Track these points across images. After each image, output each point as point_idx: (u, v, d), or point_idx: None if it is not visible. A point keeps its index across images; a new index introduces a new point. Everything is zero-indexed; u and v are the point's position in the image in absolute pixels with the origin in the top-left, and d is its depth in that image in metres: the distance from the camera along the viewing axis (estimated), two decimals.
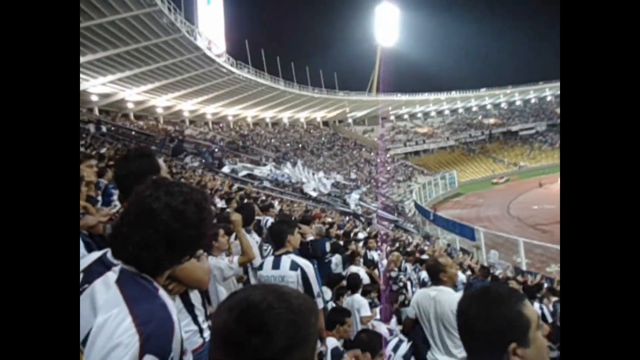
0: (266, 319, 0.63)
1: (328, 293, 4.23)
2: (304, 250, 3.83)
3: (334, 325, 2.97)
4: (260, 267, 2.82)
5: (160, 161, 1.65)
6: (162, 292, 0.96)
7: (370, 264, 5.99)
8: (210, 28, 30.43)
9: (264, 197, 14.14)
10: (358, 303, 4.01)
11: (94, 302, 0.89)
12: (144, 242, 0.92)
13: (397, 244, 11.76)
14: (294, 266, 2.65)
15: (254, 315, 0.63)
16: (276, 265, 2.71)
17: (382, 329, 4.23)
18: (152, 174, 1.55)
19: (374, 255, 6.17)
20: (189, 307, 1.76)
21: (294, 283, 2.60)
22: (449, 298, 2.49)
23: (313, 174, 24.62)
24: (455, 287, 2.86)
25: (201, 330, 1.79)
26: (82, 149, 8.27)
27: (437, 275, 2.66)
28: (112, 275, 0.94)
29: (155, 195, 0.95)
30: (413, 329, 2.80)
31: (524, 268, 12.71)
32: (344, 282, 4.38)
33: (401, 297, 5.33)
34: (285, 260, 2.69)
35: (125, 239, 0.93)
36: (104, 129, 19.09)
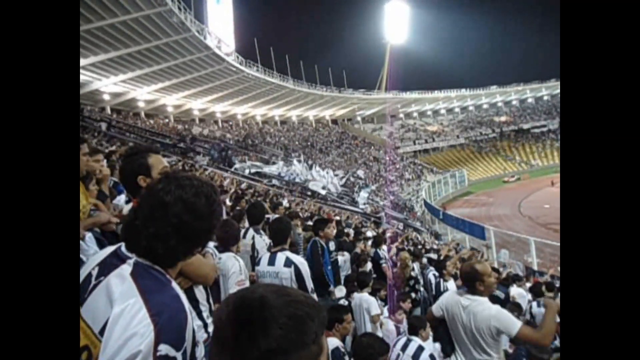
0: (258, 315, 0.62)
1: (343, 291, 4.25)
2: (315, 251, 3.82)
3: (333, 324, 2.85)
4: (258, 262, 2.87)
5: (154, 159, 1.62)
6: (174, 284, 0.98)
7: (379, 261, 5.97)
8: (220, 27, 30.56)
9: (272, 195, 14.19)
10: (367, 302, 4.00)
11: (110, 294, 0.91)
12: (157, 234, 0.94)
13: (406, 243, 11.69)
14: (288, 263, 2.69)
15: (246, 310, 0.63)
16: (272, 261, 2.75)
17: (390, 326, 4.22)
18: (140, 173, 1.56)
19: (382, 252, 6.16)
20: (194, 302, 1.78)
21: (287, 279, 2.64)
22: (484, 311, 2.29)
23: (327, 172, 24.55)
24: (492, 297, 2.61)
25: (205, 326, 1.83)
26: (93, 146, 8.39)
27: (472, 283, 2.43)
28: (126, 268, 0.95)
29: (167, 188, 0.98)
30: (438, 328, 2.67)
31: (535, 267, 12.54)
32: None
33: (412, 295, 5.32)
34: (280, 257, 2.73)
35: (138, 231, 0.96)
36: (113, 129, 19.31)
